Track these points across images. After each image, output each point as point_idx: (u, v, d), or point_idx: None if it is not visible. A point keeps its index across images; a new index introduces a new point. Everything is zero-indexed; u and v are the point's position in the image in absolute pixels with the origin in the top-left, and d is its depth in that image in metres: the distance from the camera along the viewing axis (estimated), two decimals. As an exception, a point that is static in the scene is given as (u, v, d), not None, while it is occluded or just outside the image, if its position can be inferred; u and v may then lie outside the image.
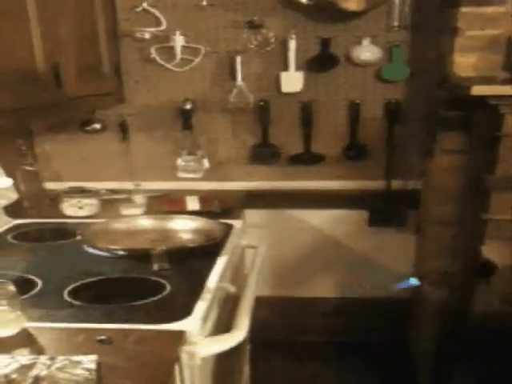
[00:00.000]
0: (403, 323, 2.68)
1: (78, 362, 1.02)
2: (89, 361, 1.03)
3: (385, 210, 2.57)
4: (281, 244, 2.68)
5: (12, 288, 1.19)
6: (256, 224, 2.63)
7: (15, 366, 0.99)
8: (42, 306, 1.33)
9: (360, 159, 2.51)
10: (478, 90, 1.97)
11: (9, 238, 1.94)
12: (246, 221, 2.40)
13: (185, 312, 1.32)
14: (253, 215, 2.61)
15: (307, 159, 2.54)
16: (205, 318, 1.36)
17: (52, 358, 1.02)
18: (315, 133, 2.50)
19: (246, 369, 2.21)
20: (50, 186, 2.54)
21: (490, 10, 2.03)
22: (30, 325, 1.22)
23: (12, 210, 2.11)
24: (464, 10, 2.04)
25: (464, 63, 2.09)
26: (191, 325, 1.28)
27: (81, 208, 2.18)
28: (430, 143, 2.32)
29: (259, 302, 2.34)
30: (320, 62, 2.39)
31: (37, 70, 1.68)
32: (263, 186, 2.60)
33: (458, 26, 2.06)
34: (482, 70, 2.09)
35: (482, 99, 2.01)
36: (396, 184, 2.53)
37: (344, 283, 2.74)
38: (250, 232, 2.37)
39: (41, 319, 1.26)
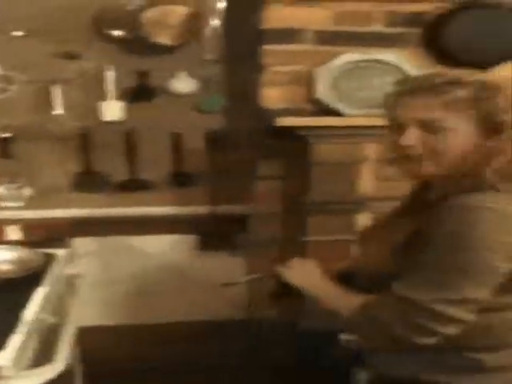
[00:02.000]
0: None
1: None
2: None
3: (214, 234, 2.67)
4: (113, 271, 2.68)
5: None
6: (87, 252, 2.61)
7: None
8: None
9: (186, 186, 2.61)
10: (283, 122, 2.16)
11: None
12: (74, 249, 2.37)
13: (-1, 346, 1.30)
14: (83, 243, 2.59)
15: (134, 186, 2.58)
16: (21, 351, 1.35)
17: None
18: (140, 160, 2.55)
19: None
20: None
21: (291, 47, 2.24)
22: None
23: None
24: (269, 47, 2.23)
25: (272, 96, 2.28)
26: (5, 359, 1.26)
27: None
28: (252, 170, 2.48)
29: (93, 332, 2.33)
30: (138, 94, 2.46)
31: None
32: (92, 214, 2.59)
33: (265, 62, 2.25)
34: (289, 103, 2.29)
35: (291, 130, 2.20)
36: (225, 209, 2.64)
37: (178, 307, 2.77)
38: (81, 260, 2.35)
39: None
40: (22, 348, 1.36)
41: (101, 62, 2.40)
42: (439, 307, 1.10)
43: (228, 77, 2.49)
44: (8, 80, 2.37)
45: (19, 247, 1.95)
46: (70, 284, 2.06)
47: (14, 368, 1.28)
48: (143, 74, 2.44)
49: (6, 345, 1.32)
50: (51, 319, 1.66)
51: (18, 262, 1.87)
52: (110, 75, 2.40)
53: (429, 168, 1.21)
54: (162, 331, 2.72)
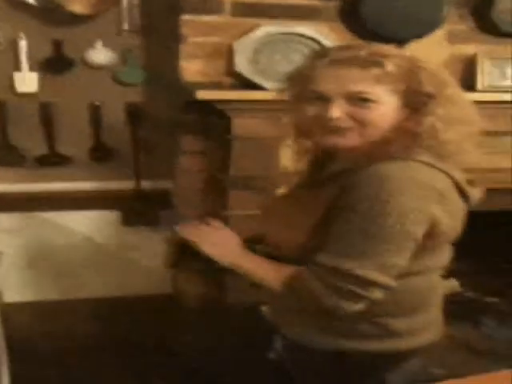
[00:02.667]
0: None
1: None
2: None
3: (137, 209, 2.63)
4: (35, 248, 2.62)
5: None
6: (6, 229, 2.53)
7: None
8: None
9: (107, 160, 2.55)
10: (202, 95, 2.12)
11: None
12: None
13: None
14: (3, 220, 2.51)
15: (53, 161, 2.50)
16: None
17: None
18: (58, 134, 2.48)
19: (5, 380, 2.10)
20: None
21: (210, 18, 2.19)
22: None
23: None
24: (186, 17, 2.18)
25: (191, 69, 2.23)
26: None
27: None
28: (174, 145, 2.43)
29: (16, 308, 2.27)
30: (54, 64, 2.37)
31: None
32: (10, 189, 2.50)
33: (183, 33, 2.19)
34: (208, 76, 2.25)
35: (211, 104, 2.16)
36: (147, 184, 2.60)
37: (101, 283, 2.74)
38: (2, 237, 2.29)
39: None
40: None
41: (14, 31, 2.29)
42: (363, 272, 1.13)
43: (147, 48, 2.43)
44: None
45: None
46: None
47: None
48: (58, 44, 2.34)
49: None
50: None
51: None
52: (23, 45, 2.31)
53: (354, 140, 1.21)
54: (85, 307, 2.69)
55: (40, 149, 2.49)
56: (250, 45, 2.20)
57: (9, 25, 2.30)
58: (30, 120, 2.44)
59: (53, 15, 2.31)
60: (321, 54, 1.28)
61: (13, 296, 2.58)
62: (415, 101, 1.20)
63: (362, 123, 1.20)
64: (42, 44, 2.34)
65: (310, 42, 2.23)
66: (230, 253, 1.33)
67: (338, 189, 1.19)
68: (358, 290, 1.14)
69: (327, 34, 2.27)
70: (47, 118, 2.43)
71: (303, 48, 2.23)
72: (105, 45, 2.38)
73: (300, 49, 2.23)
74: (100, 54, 2.38)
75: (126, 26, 2.35)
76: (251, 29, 2.21)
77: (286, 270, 1.24)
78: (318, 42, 2.23)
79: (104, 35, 2.36)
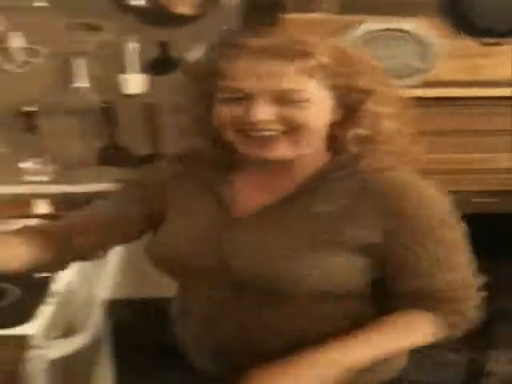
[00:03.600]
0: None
1: None
2: None
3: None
4: (137, 245, 2.71)
5: None
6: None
7: None
8: None
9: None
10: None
11: None
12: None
13: (29, 316, 1.34)
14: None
15: (156, 160, 2.58)
16: (51, 322, 1.39)
17: None
18: (161, 134, 2.55)
19: (107, 372, 2.21)
20: None
21: (311, 16, 2.22)
22: None
23: None
24: (289, 16, 2.20)
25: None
26: (35, 328, 1.31)
27: None
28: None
29: (122, 305, 2.34)
30: (160, 65, 2.44)
31: None
32: (113, 188, 2.61)
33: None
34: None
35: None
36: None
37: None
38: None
39: None
40: (52, 318, 1.41)
41: (121, 33, 2.38)
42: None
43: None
44: (31, 53, 2.39)
45: (47, 222, 2.00)
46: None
47: (44, 338, 1.33)
48: (164, 46, 2.41)
49: (37, 315, 1.36)
50: (81, 291, 1.71)
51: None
52: (131, 47, 2.40)
53: (286, 150, 0.98)
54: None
55: (144, 149, 2.58)
56: (351, 42, 2.22)
57: (116, 27, 2.39)
58: (135, 121, 2.53)
59: (159, 16, 2.37)
60: (231, 42, 1.02)
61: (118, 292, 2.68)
62: (351, 98, 1.00)
63: (293, 128, 0.97)
64: (148, 45, 2.41)
65: (411, 38, 2.23)
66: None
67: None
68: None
69: (428, 29, 2.25)
70: (151, 118, 2.52)
71: (405, 44, 2.23)
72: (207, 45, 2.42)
73: (402, 45, 2.24)
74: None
75: (226, 26, 2.39)
76: (352, 26, 2.23)
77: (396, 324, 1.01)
78: (420, 38, 2.23)
79: (207, 36, 2.42)
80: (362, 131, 1.01)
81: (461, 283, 1.02)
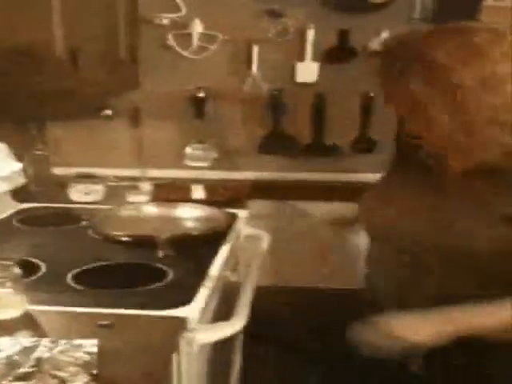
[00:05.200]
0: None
1: (80, 346, 1.04)
2: (90, 345, 1.05)
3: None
4: (282, 234, 2.68)
5: (17, 270, 1.21)
6: (260, 214, 2.63)
7: (17, 347, 1.01)
8: (45, 290, 1.35)
9: (369, 152, 2.51)
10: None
11: (14, 221, 1.96)
12: (251, 211, 2.40)
13: (186, 299, 1.33)
14: (257, 205, 2.62)
15: (317, 150, 2.54)
16: (205, 306, 1.38)
17: (54, 341, 1.04)
18: (326, 124, 2.50)
19: (238, 359, 2.21)
20: (59, 171, 2.54)
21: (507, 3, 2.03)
22: (33, 307, 1.24)
23: (19, 193, 2.14)
24: (488, 2, 2.04)
25: None
26: (192, 311, 1.29)
27: (87, 194, 2.20)
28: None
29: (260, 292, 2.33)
30: (337, 54, 2.39)
31: (55, 52, 1.68)
32: (270, 177, 2.60)
33: (482, 20, 2.05)
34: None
35: None
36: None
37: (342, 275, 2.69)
38: (254, 222, 2.37)
39: (44, 302, 1.28)
40: (207, 303, 1.39)
41: (303, 20, 2.35)
42: None
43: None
44: (209, 39, 2.41)
45: (205, 206, 2.02)
46: (248, 244, 2.09)
47: (199, 321, 1.31)
48: (344, 34, 2.35)
49: (194, 298, 1.35)
50: (233, 277, 1.70)
51: (205, 219, 1.94)
52: (311, 34, 2.35)
53: None
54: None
55: (306, 138, 2.54)
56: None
57: (300, 14, 2.36)
58: (303, 109, 2.49)
59: (342, 4, 2.31)
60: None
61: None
62: None
63: None
64: (327, 33, 2.36)
65: None
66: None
67: None
68: None
69: None
70: (320, 108, 2.46)
71: None
72: (391, 34, 2.30)
73: None
74: (384, 43, 2.32)
75: (416, 14, 2.26)
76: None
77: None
78: None
79: (392, 24, 2.30)
80: None
81: None
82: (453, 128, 1.13)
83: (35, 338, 1.06)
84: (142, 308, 1.27)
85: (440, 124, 1.13)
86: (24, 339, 1.05)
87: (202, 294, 1.39)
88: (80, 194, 2.20)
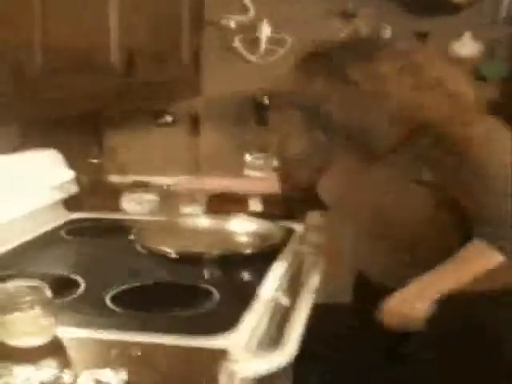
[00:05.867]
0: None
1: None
2: (117, 380, 0.95)
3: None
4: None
5: (48, 293, 1.12)
6: (317, 226, 2.49)
7: (34, 382, 0.92)
8: (81, 311, 1.27)
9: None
10: None
11: (62, 232, 1.91)
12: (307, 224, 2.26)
13: (230, 325, 1.21)
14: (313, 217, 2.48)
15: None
16: (252, 332, 1.26)
17: (75, 375, 0.95)
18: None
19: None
20: (114, 178, 2.49)
21: None
22: (63, 332, 1.15)
23: (71, 202, 2.09)
24: None
25: None
26: (235, 340, 1.18)
27: (140, 204, 2.13)
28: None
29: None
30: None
31: (110, 55, 1.64)
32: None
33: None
34: None
35: None
36: None
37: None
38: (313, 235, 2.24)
39: (77, 325, 1.20)
40: (254, 328, 1.27)
41: (377, 21, 2.22)
42: None
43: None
44: (277, 42, 2.30)
45: (259, 219, 1.91)
46: (304, 261, 1.95)
47: (245, 351, 1.18)
48: (422, 37, 2.18)
49: (239, 325, 1.23)
50: (285, 300, 1.56)
51: (259, 234, 1.83)
52: (386, 36, 2.21)
53: None
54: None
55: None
56: None
57: (374, 15, 2.23)
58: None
59: (420, 5, 2.17)
60: None
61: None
62: None
63: None
64: (403, 35, 2.20)
65: None
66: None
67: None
68: None
69: None
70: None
71: None
72: (474, 36, 2.16)
73: None
74: (466, 47, 2.16)
75: (503, 14, 2.09)
76: None
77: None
78: None
79: (473, 26, 2.14)
80: None
81: None
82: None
83: (55, 372, 0.96)
84: (179, 335, 1.16)
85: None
86: (43, 372, 0.95)
87: (249, 320, 1.27)
88: (132, 204, 2.13)
